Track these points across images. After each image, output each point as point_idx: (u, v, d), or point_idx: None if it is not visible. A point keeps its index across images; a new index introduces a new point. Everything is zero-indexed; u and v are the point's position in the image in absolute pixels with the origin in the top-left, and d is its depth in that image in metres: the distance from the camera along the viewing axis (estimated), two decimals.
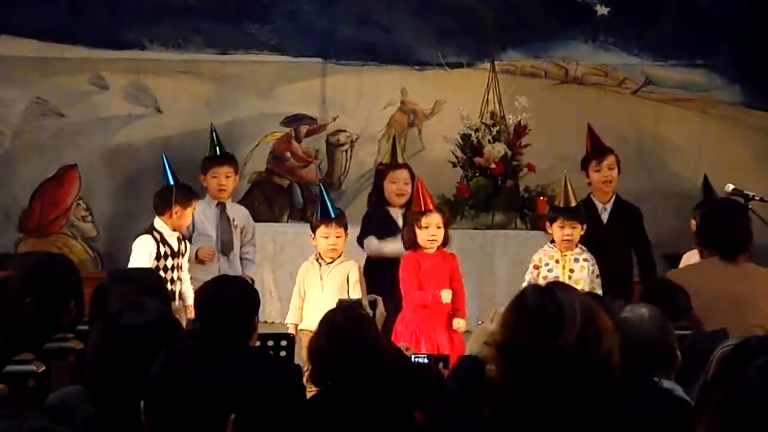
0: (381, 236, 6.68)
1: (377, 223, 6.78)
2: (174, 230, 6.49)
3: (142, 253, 6.41)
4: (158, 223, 6.50)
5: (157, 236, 6.45)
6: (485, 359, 2.96)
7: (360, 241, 6.70)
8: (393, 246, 6.55)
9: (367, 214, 6.93)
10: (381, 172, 7.00)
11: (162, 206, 6.52)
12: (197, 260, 6.73)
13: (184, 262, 6.58)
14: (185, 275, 6.56)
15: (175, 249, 6.48)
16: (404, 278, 6.20)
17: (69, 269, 4.39)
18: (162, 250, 6.42)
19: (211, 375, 2.63)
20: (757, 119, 8.92)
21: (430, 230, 6.19)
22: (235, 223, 6.97)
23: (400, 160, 7.06)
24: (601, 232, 6.68)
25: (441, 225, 6.21)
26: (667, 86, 8.96)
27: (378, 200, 6.91)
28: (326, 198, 6.37)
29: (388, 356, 4.02)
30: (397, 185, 6.76)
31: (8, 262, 8.35)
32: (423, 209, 6.24)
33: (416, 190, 6.44)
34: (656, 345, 3.63)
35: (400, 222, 6.74)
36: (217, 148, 7.12)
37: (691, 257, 6.37)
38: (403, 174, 6.80)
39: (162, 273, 6.35)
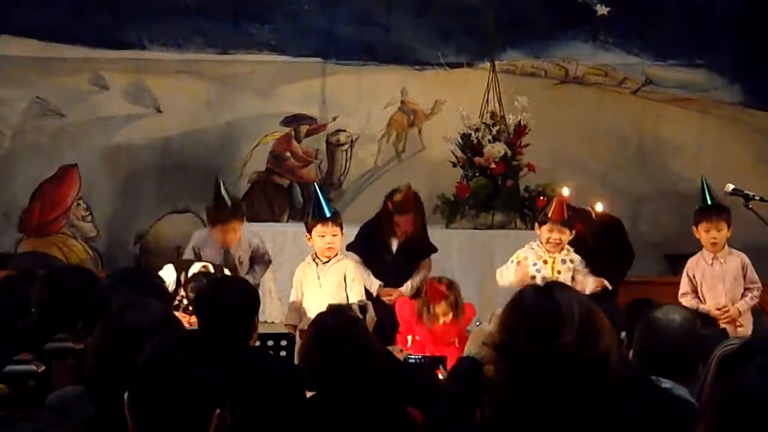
0: (369, 257, 6.63)
1: (368, 243, 6.65)
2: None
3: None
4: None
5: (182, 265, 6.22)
6: (483, 360, 2.96)
7: (349, 248, 6.60)
8: (366, 279, 6.51)
9: (362, 228, 6.78)
10: (389, 212, 6.72)
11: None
12: None
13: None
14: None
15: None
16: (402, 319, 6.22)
17: (86, 286, 4.30)
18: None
19: (194, 367, 2.62)
20: (757, 119, 8.92)
21: (438, 319, 6.10)
22: (241, 260, 6.91)
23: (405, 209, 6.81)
24: (580, 246, 6.53)
25: (447, 311, 6.16)
26: (667, 86, 8.96)
27: (377, 226, 6.71)
28: (321, 198, 6.36)
29: (378, 357, 4.03)
30: (400, 228, 6.57)
31: (10, 261, 8.39)
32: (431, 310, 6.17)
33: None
34: (684, 352, 3.60)
35: (394, 247, 6.62)
36: (224, 200, 6.92)
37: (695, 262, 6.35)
38: (407, 219, 6.49)
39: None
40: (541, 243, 6.28)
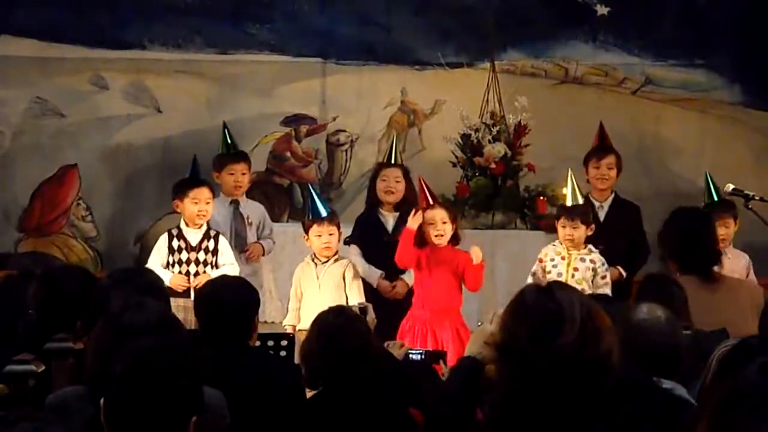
0: (366, 240, 6.71)
1: (364, 227, 6.80)
2: (190, 225, 6.56)
3: (156, 247, 6.63)
4: (181, 220, 6.66)
5: (175, 231, 6.60)
6: (485, 360, 2.96)
7: (347, 242, 6.72)
8: (366, 271, 6.59)
9: (358, 217, 6.96)
10: (375, 171, 7.04)
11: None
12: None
13: (223, 259, 6.59)
14: (228, 268, 6.52)
15: (193, 244, 6.54)
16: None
17: (83, 285, 4.34)
18: (176, 244, 6.55)
19: (176, 374, 2.61)
20: (757, 119, 8.91)
21: (437, 226, 6.21)
22: (250, 220, 7.05)
23: (396, 161, 7.07)
24: (598, 231, 6.69)
25: (447, 220, 6.23)
26: (667, 86, 8.95)
27: (369, 201, 6.93)
28: (316, 198, 6.40)
29: (379, 356, 4.03)
30: (386, 183, 6.78)
31: (10, 261, 8.38)
32: (426, 205, 6.27)
33: (419, 188, 6.46)
34: (672, 350, 3.61)
35: (390, 225, 6.74)
36: (231, 146, 7.24)
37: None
38: (394, 172, 6.81)
39: (177, 266, 6.52)
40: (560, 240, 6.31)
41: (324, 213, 6.30)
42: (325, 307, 4.25)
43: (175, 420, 2.56)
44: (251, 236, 7.04)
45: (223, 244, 6.61)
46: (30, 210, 8.74)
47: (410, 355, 4.73)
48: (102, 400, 2.61)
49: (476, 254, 6.15)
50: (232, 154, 7.19)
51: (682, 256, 5.27)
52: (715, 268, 5.36)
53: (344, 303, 5.89)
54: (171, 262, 6.54)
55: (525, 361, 2.50)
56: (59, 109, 8.74)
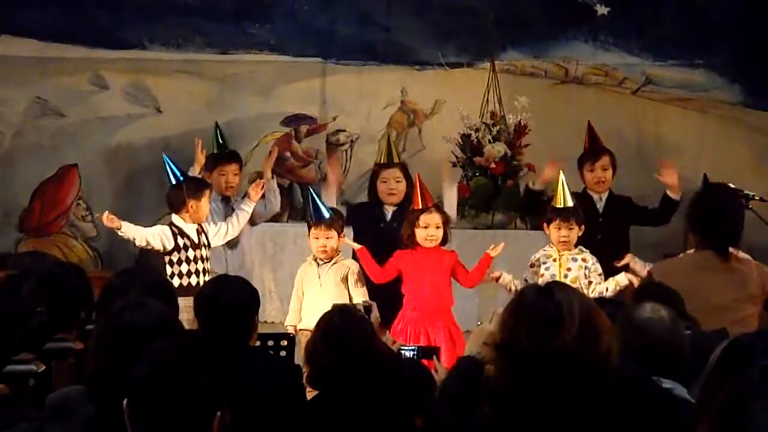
0: (361, 226, 6.78)
1: (364, 213, 6.86)
2: (194, 223, 6.55)
3: (154, 229, 6.51)
4: (175, 218, 6.59)
5: (175, 230, 6.53)
6: (484, 360, 2.97)
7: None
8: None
9: (358, 204, 7.01)
10: (374, 172, 7.07)
11: (177, 204, 6.58)
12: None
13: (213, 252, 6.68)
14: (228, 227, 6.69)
15: (196, 241, 6.54)
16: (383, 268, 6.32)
17: (82, 280, 4.40)
18: (181, 242, 6.51)
19: (197, 374, 2.62)
20: (757, 119, 8.91)
21: (429, 230, 6.23)
22: None
23: (394, 159, 7.09)
24: (598, 223, 6.74)
25: (440, 225, 6.25)
26: (667, 86, 8.96)
27: (371, 201, 6.99)
28: (318, 201, 6.42)
29: (384, 357, 4.02)
30: (387, 184, 6.84)
31: (10, 261, 8.39)
32: (422, 207, 6.27)
33: (415, 189, 6.47)
34: (676, 349, 3.61)
35: (387, 215, 6.80)
36: (223, 146, 7.23)
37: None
38: (393, 173, 6.85)
39: (185, 264, 6.49)
40: (552, 243, 6.31)
41: (322, 216, 6.32)
42: (327, 306, 4.26)
43: (200, 418, 2.58)
44: (243, 234, 7.04)
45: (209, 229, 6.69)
46: (30, 210, 8.75)
47: (403, 352, 4.73)
48: (125, 403, 2.62)
49: (496, 250, 6.22)
50: (223, 154, 7.18)
51: (704, 228, 5.21)
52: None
53: (347, 301, 5.90)
54: (179, 259, 6.50)
55: (524, 360, 2.51)
56: (59, 109, 8.74)
